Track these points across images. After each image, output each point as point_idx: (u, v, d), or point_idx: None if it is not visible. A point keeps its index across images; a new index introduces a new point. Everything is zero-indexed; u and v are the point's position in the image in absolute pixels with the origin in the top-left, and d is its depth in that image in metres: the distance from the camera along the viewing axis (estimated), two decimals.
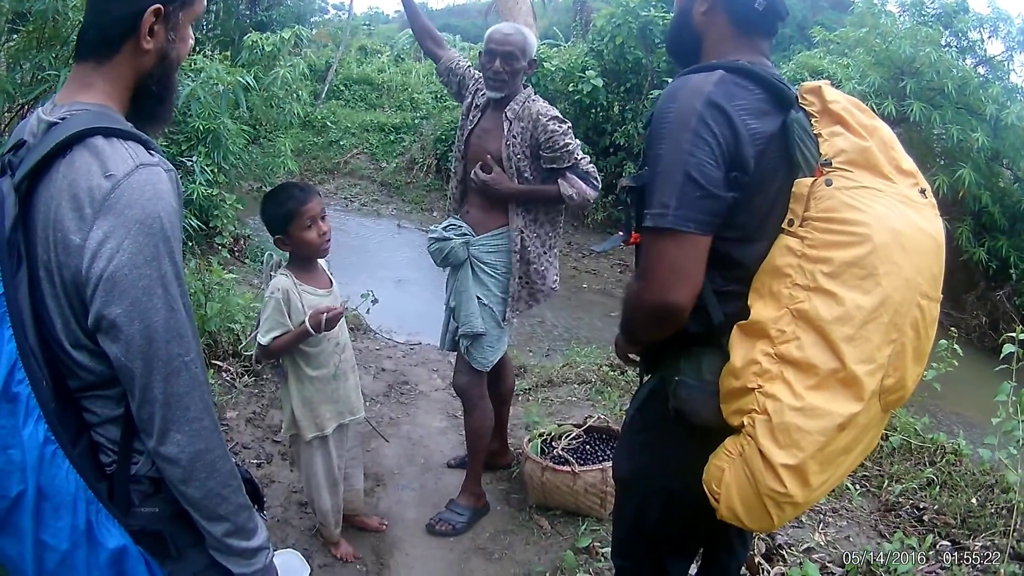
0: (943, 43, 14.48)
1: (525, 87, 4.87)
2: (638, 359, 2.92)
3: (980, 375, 7.27)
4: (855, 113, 2.38)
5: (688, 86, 2.38)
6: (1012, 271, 13.45)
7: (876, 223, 2.17)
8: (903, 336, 2.25)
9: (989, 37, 15.15)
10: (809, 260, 2.22)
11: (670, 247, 2.30)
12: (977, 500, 5.42)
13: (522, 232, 4.82)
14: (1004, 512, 5.17)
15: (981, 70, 14.84)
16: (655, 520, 2.77)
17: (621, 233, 2.72)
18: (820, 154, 2.31)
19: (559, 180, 4.71)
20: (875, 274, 2.16)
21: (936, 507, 5.39)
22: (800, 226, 2.25)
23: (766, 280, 2.31)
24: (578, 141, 4.79)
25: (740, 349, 2.33)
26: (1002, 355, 4.96)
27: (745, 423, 2.28)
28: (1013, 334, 4.89)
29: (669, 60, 12.77)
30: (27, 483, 1.86)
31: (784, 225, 2.30)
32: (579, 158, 4.72)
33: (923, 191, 2.39)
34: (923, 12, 15.21)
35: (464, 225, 4.92)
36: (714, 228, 2.32)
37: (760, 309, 2.30)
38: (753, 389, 2.27)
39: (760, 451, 2.22)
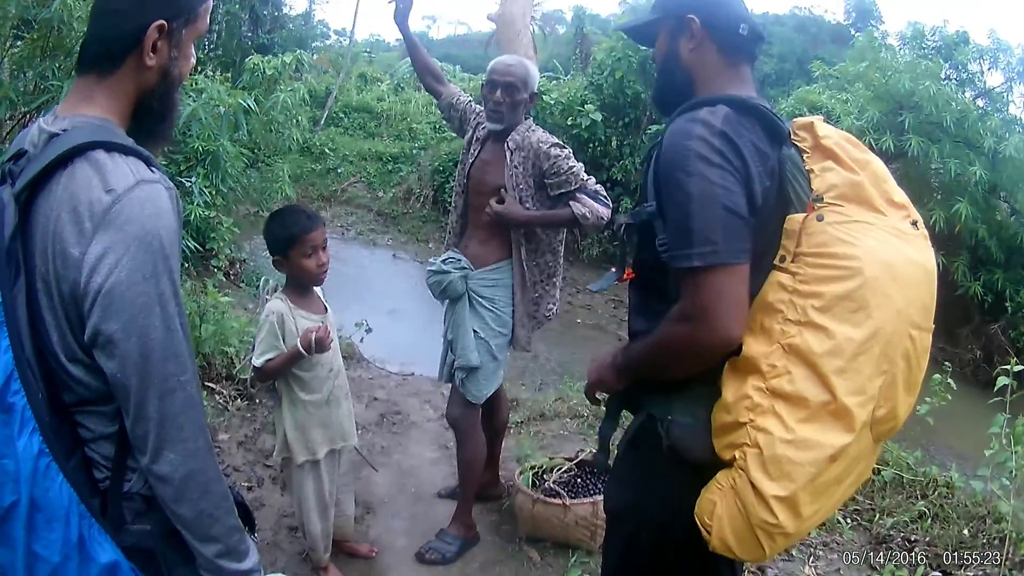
0: (943, 76, 14.59)
1: (526, 119, 4.89)
2: (605, 398, 2.92)
3: (974, 409, 7.28)
4: (847, 148, 2.39)
5: (699, 121, 2.37)
6: (1008, 304, 13.59)
7: (867, 256, 2.18)
8: (894, 367, 2.24)
9: (989, 68, 15.32)
10: (800, 295, 2.22)
11: (727, 282, 2.27)
12: (969, 531, 5.41)
13: (523, 263, 4.84)
14: (996, 542, 5.17)
15: (980, 102, 14.94)
16: (645, 553, 2.74)
17: (614, 270, 2.75)
18: (811, 190, 2.32)
19: (570, 203, 4.70)
20: (866, 307, 2.17)
21: (928, 539, 5.39)
22: (792, 262, 2.25)
23: (758, 316, 2.31)
24: (580, 165, 4.81)
25: (732, 384, 2.34)
26: (996, 388, 4.97)
27: (736, 456, 2.28)
28: (1008, 367, 4.90)
29: None
30: (20, 494, 1.84)
31: (776, 261, 2.30)
32: (586, 179, 4.73)
33: (915, 223, 2.40)
34: (923, 45, 15.37)
35: (463, 259, 4.93)
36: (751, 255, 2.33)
37: (752, 344, 2.30)
38: (745, 423, 2.26)
39: (752, 484, 2.22)
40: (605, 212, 4.73)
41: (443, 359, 5.22)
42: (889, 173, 2.46)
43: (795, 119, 2.49)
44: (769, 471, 2.20)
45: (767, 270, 2.31)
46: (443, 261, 4.96)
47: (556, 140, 4.80)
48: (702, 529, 2.38)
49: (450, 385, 5.14)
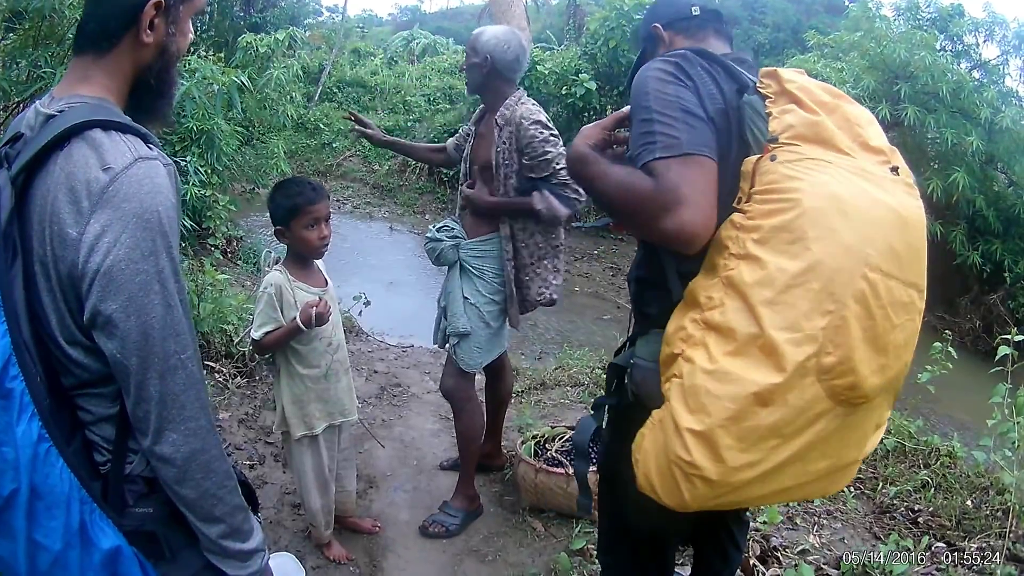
0: (938, 47, 14.60)
1: (517, 89, 4.87)
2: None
3: (974, 378, 7.28)
4: (813, 92, 2.37)
5: (655, 61, 2.52)
6: (1006, 274, 13.56)
7: (811, 189, 2.14)
8: (844, 308, 2.09)
9: (984, 41, 15.31)
10: (744, 230, 2.20)
11: (692, 172, 2.29)
12: (972, 502, 5.42)
13: (513, 240, 4.82)
14: (999, 514, 5.16)
15: (976, 74, 14.97)
16: (631, 509, 2.71)
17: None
18: (770, 132, 2.31)
19: (534, 192, 4.65)
20: (803, 238, 2.10)
21: (931, 509, 5.39)
22: (746, 202, 2.24)
23: (711, 254, 2.30)
24: (561, 150, 4.66)
25: (675, 318, 2.36)
26: (997, 357, 4.96)
27: (665, 389, 2.29)
28: (1008, 336, 4.89)
29: None
30: (20, 482, 1.83)
31: (733, 203, 2.29)
32: (558, 168, 4.61)
33: (894, 168, 2.32)
34: (918, 16, 15.36)
35: (456, 227, 4.96)
36: (718, 157, 2.35)
37: (699, 280, 2.32)
38: (678, 355, 2.27)
39: (672, 415, 2.21)
40: (563, 211, 4.60)
41: (436, 324, 5.22)
42: (872, 120, 2.44)
43: (761, 69, 2.50)
44: (688, 403, 2.19)
45: (725, 215, 2.30)
46: (437, 229, 5.00)
47: (540, 117, 4.70)
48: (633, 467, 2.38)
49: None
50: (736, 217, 2.24)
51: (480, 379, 5.53)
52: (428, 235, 5.01)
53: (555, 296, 5.00)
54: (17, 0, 5.30)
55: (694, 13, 2.88)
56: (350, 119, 5.54)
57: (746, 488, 2.22)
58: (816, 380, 2.11)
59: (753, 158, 2.27)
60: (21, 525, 1.85)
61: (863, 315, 2.11)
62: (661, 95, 2.39)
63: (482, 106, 5.02)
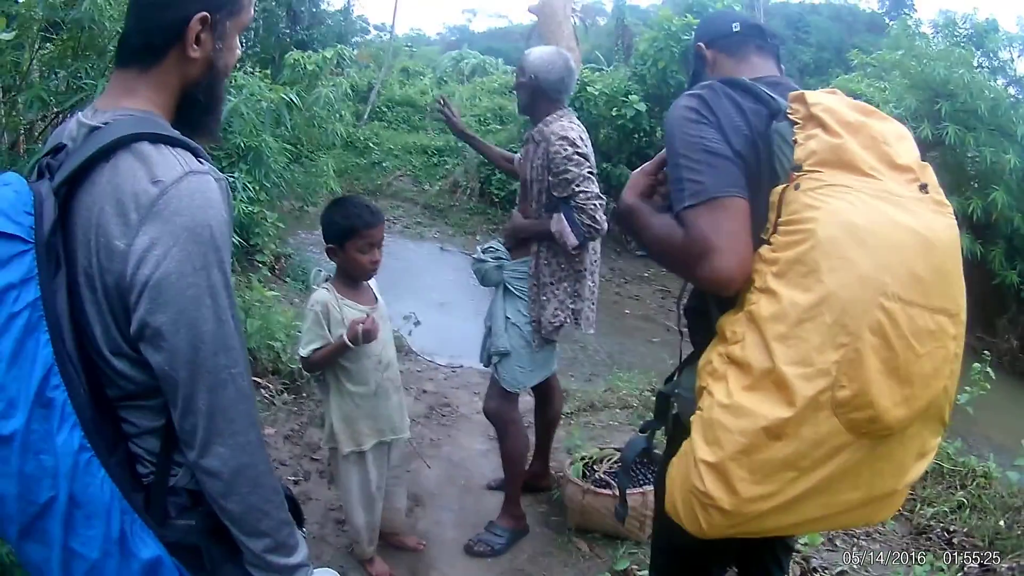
0: (975, 63, 14.55)
1: (559, 109, 4.86)
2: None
3: (1011, 399, 7.25)
4: (838, 112, 2.31)
5: (681, 98, 2.56)
6: None
7: (826, 218, 2.11)
8: (858, 341, 2.05)
9: (1019, 55, 15.31)
10: (767, 263, 2.19)
11: (720, 216, 2.32)
12: (1005, 522, 5.40)
13: (537, 258, 4.81)
14: None
15: (1012, 90, 14.90)
16: (679, 533, 2.72)
17: None
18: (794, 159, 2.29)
19: (554, 213, 4.66)
20: (816, 270, 2.08)
21: (965, 530, 5.38)
22: (773, 233, 2.22)
23: (743, 288, 2.29)
24: (586, 172, 4.59)
25: (707, 351, 2.38)
26: None
27: (691, 420, 2.31)
28: None
29: None
30: (58, 490, 1.82)
31: (762, 235, 2.28)
32: (577, 190, 4.54)
33: (924, 186, 2.27)
34: (955, 33, 15.41)
35: (501, 248, 5.00)
36: (747, 192, 2.35)
37: (728, 314, 2.32)
38: (704, 387, 2.29)
39: (692, 446, 2.24)
40: (571, 241, 4.57)
41: (482, 344, 5.24)
42: (904, 135, 2.39)
43: (790, 93, 2.46)
44: (705, 435, 2.21)
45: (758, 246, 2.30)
46: (483, 251, 5.05)
47: (568, 134, 4.63)
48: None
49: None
50: (763, 250, 2.24)
51: (530, 400, 5.54)
52: (475, 256, 5.06)
53: (569, 322, 4.90)
54: (54, 10, 5.33)
55: (735, 30, 2.88)
56: (439, 103, 5.60)
57: (766, 518, 2.22)
58: (832, 414, 2.09)
59: (780, 188, 2.26)
60: (58, 533, 1.84)
61: (881, 346, 2.08)
62: (685, 136, 2.44)
63: (531, 126, 4.98)
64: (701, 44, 2.97)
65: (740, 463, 2.13)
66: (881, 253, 2.08)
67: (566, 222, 4.55)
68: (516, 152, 5.41)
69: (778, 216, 2.22)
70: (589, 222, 4.54)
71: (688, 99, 2.51)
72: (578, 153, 4.58)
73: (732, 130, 2.40)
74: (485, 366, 5.29)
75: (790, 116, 2.37)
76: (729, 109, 2.44)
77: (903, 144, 2.34)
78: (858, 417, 2.09)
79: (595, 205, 4.55)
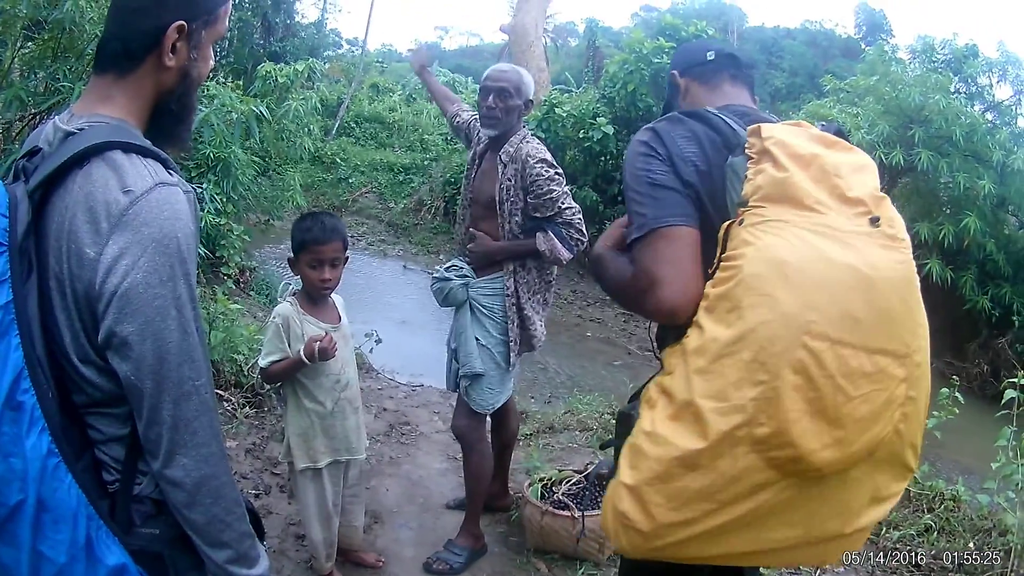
0: (952, 89, 14.71)
1: (522, 128, 4.89)
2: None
3: (980, 423, 7.29)
4: (789, 145, 2.29)
5: (638, 133, 2.62)
6: (1015, 318, 13.60)
7: (754, 254, 2.11)
8: (776, 380, 2.02)
9: (998, 81, 15.41)
10: (704, 298, 2.23)
11: (661, 246, 2.36)
12: (975, 544, 5.40)
13: (514, 276, 4.82)
14: (1001, 555, 5.15)
15: (989, 116, 15.04)
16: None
17: None
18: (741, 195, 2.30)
19: (538, 233, 4.68)
20: (739, 307, 2.09)
21: (932, 552, 5.38)
22: (715, 269, 2.24)
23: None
24: (566, 189, 4.72)
25: (651, 379, 2.40)
26: (1003, 401, 4.99)
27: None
28: (1015, 380, 4.92)
29: None
30: (27, 493, 1.81)
31: (709, 270, 2.29)
32: (563, 207, 4.65)
33: (875, 220, 2.19)
34: (933, 58, 15.53)
35: (465, 267, 4.95)
36: (696, 221, 2.39)
37: (671, 346, 2.34)
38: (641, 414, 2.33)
39: (619, 469, 2.28)
40: (565, 255, 4.68)
41: (448, 367, 5.22)
42: (862, 167, 2.36)
43: (749, 127, 2.43)
44: (629, 459, 2.24)
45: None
46: (446, 269, 5.00)
47: (546, 156, 4.71)
48: None
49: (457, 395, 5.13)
50: (707, 284, 2.26)
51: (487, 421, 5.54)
52: (436, 275, 5.01)
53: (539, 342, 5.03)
54: (38, 9, 5.32)
55: (709, 59, 2.91)
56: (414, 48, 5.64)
57: (688, 545, 2.23)
58: (751, 450, 2.07)
59: (726, 224, 2.27)
60: (26, 535, 1.83)
61: (804, 386, 2.04)
62: (633, 171, 2.51)
63: (487, 140, 4.95)
64: (675, 72, 3.02)
65: (656, 489, 2.16)
66: (808, 290, 2.05)
67: (556, 240, 4.61)
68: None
69: (722, 251, 2.23)
70: (577, 235, 4.67)
71: (643, 133, 2.58)
72: (557, 173, 4.68)
73: (682, 161, 2.44)
74: (453, 390, 5.26)
75: (747, 150, 2.37)
76: (681, 141, 2.48)
77: (858, 176, 2.31)
78: (780, 456, 2.07)
79: (580, 218, 4.70)
